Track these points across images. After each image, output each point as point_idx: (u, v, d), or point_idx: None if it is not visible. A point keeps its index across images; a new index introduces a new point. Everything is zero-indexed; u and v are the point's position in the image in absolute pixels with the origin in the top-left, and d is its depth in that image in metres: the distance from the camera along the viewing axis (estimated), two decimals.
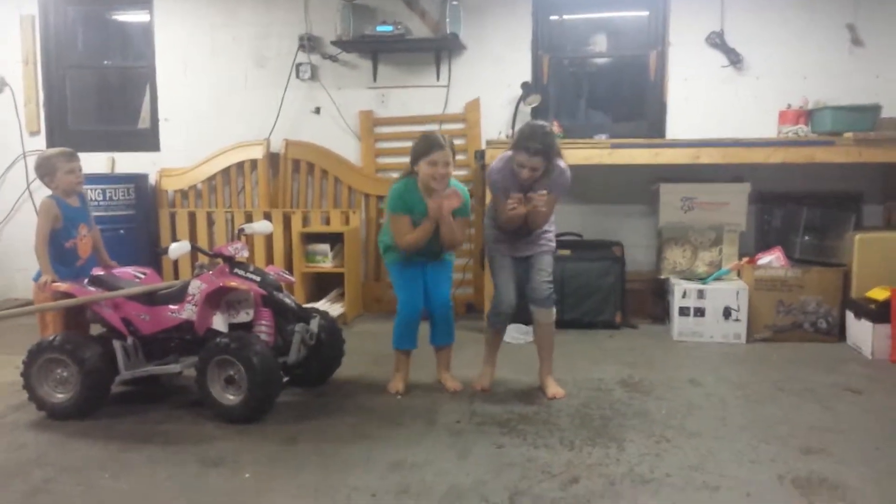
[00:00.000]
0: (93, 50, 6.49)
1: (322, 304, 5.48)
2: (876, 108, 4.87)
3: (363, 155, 5.89)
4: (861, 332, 4.54)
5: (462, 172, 5.74)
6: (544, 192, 3.61)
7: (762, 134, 5.20)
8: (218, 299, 3.67)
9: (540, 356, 3.95)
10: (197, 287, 3.67)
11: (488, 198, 5.00)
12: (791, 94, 5.27)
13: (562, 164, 3.74)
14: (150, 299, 3.78)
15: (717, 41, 5.40)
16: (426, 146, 3.69)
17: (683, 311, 4.88)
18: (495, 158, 3.86)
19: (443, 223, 3.71)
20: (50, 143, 6.10)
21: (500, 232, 3.86)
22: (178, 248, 3.64)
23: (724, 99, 5.46)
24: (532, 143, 3.56)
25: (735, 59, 5.40)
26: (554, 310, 3.88)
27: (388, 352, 4.04)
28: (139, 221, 5.79)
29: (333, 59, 5.84)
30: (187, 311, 3.66)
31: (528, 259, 3.86)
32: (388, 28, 5.48)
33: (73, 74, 6.36)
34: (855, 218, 5.07)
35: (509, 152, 3.71)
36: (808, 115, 5.06)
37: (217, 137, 5.97)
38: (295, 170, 5.95)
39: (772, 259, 4.90)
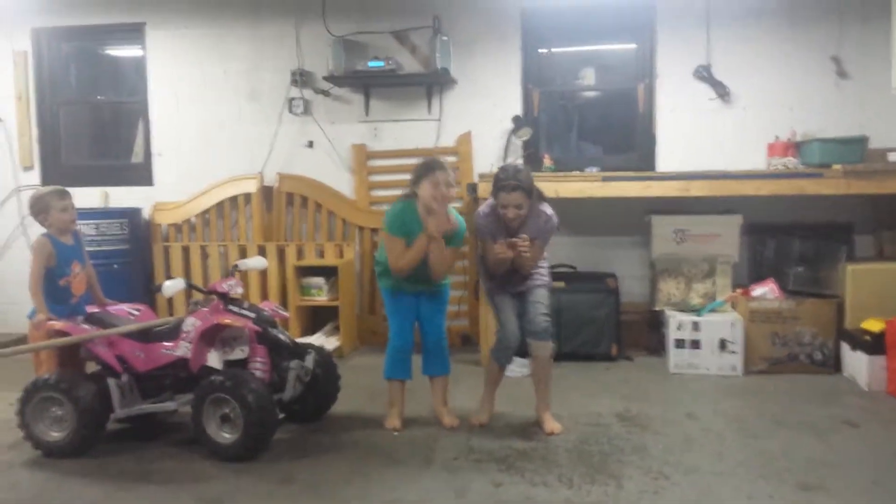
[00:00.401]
0: (86, 85, 6.53)
1: (317, 338, 5.47)
2: (863, 140, 4.93)
3: (357, 188, 5.91)
4: (857, 363, 4.56)
5: (454, 205, 5.75)
6: (526, 237, 3.67)
7: (751, 165, 5.27)
8: (212, 336, 3.66)
9: (537, 390, 3.94)
10: (191, 324, 3.66)
11: None
12: (778, 125, 5.34)
13: (547, 210, 3.81)
14: (145, 336, 3.77)
15: (705, 74, 5.47)
16: (429, 166, 3.73)
17: (679, 344, 4.88)
18: (483, 204, 3.93)
19: (433, 244, 3.69)
20: (44, 178, 6.13)
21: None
22: (172, 286, 3.64)
23: (713, 131, 5.52)
24: (507, 181, 3.67)
25: (722, 91, 5.47)
26: (551, 343, 3.89)
27: (385, 385, 4.02)
28: (133, 256, 5.78)
29: (325, 93, 5.89)
30: (182, 349, 3.65)
31: (523, 293, 3.88)
32: (380, 64, 5.52)
33: (67, 110, 6.39)
34: (847, 248, 5.09)
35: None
36: (796, 148, 5.11)
37: (210, 171, 5.99)
38: (289, 203, 5.96)
39: (766, 291, 4.92)
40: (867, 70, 5.36)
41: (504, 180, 3.69)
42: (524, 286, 3.87)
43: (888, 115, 5.31)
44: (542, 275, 3.91)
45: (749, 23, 5.46)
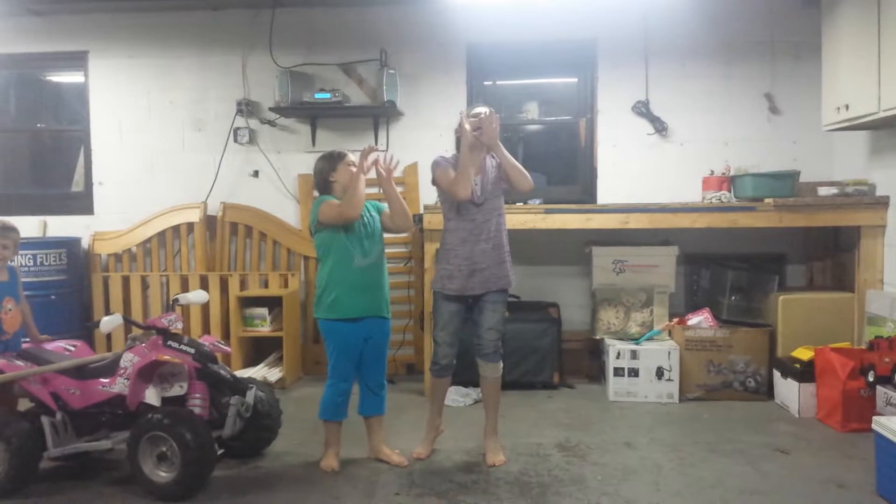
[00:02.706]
0: (26, 112, 6.42)
1: (260, 369, 5.43)
2: (794, 175, 5.12)
3: (302, 218, 5.91)
4: (788, 390, 4.70)
5: (401, 235, 5.81)
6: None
7: (688, 197, 5.42)
8: (151, 373, 3.61)
9: (486, 412, 3.98)
10: (129, 360, 3.61)
11: (427, 262, 5.10)
12: (714, 159, 5.53)
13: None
14: (81, 373, 3.70)
15: (643, 110, 5.64)
16: (337, 155, 3.91)
17: (618, 372, 4.98)
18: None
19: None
20: None
21: (450, 267, 3.83)
22: (109, 322, 3.59)
23: (651, 164, 5.68)
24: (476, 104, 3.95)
25: (660, 126, 5.65)
26: (500, 364, 3.93)
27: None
28: (71, 286, 5.68)
29: (272, 123, 5.90)
30: (119, 385, 3.60)
31: (479, 302, 3.83)
32: (326, 95, 5.56)
33: (5, 137, 6.28)
34: (778, 278, 5.27)
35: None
36: (730, 182, 5.28)
37: (153, 201, 5.93)
38: (233, 233, 5.92)
39: (701, 320, 5.06)
40: (799, 107, 5.57)
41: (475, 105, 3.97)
42: (482, 287, 3.80)
43: (818, 150, 5.54)
44: (502, 276, 3.84)
45: (685, 60, 5.65)
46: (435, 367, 3.94)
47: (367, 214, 3.87)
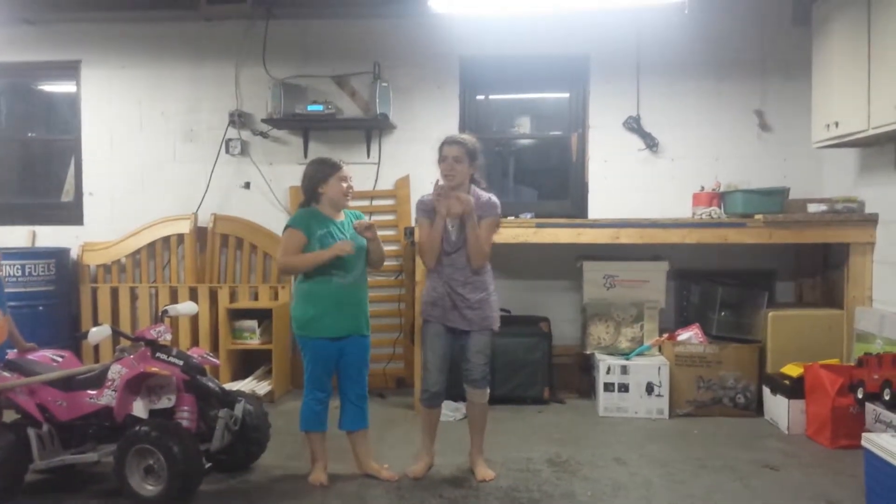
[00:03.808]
0: (17, 121, 6.40)
1: (249, 382, 5.40)
2: (783, 191, 5.15)
3: None
4: (777, 407, 4.71)
5: (392, 247, 5.81)
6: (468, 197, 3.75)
7: (679, 213, 5.44)
8: (138, 385, 3.59)
9: (471, 435, 3.96)
10: (117, 372, 3.59)
11: (419, 272, 5.09)
12: (704, 175, 5.54)
13: (488, 193, 3.93)
14: (68, 384, 3.67)
15: (634, 125, 5.67)
16: (331, 165, 3.80)
17: (608, 387, 4.97)
18: None
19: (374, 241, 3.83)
20: None
21: (434, 294, 3.83)
22: (97, 333, 3.58)
23: (642, 180, 5.70)
24: (449, 137, 3.87)
25: (651, 142, 5.67)
26: (487, 390, 3.91)
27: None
28: (59, 297, 5.64)
29: (264, 135, 5.89)
30: (106, 397, 3.58)
31: (466, 334, 3.83)
32: (319, 107, 5.57)
33: None
34: (768, 295, 5.28)
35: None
36: (720, 198, 5.30)
37: (143, 212, 5.91)
38: (223, 244, 5.90)
39: (690, 335, 5.07)
40: (789, 124, 5.60)
41: (447, 138, 3.88)
42: (466, 325, 3.80)
43: (808, 167, 5.58)
44: (486, 316, 3.83)
45: (677, 77, 5.68)
46: (424, 394, 3.89)
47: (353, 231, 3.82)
